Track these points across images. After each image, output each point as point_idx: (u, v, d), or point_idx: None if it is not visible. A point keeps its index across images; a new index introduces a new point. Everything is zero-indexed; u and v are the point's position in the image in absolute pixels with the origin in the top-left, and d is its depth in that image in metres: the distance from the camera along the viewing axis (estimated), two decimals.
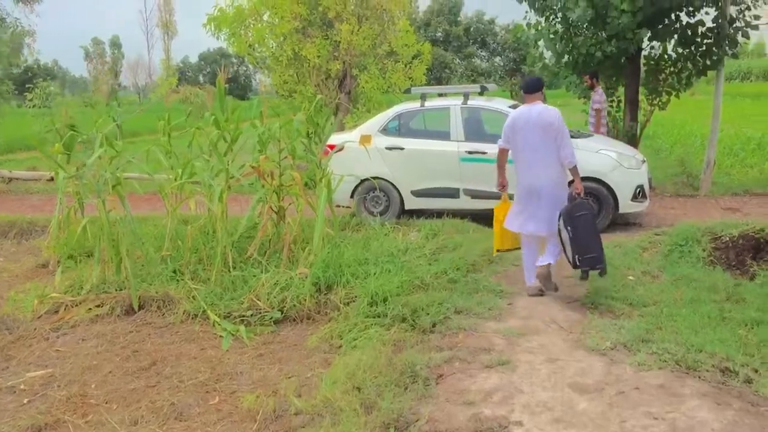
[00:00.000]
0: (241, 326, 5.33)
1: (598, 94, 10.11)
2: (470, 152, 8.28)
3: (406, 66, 13.00)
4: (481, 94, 8.94)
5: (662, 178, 11.23)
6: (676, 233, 7.32)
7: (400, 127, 8.74)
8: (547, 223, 5.52)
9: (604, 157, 8.05)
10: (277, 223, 6.71)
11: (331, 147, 8.74)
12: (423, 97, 8.76)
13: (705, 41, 10.24)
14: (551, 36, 10.73)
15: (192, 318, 5.70)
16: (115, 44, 74.91)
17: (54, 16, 60.16)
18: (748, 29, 9.94)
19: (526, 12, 11.16)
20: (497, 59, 55.69)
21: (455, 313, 5.27)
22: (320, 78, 11.97)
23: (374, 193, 8.70)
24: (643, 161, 8.48)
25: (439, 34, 54.46)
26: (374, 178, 8.56)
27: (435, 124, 9.04)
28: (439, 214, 8.52)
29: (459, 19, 55.87)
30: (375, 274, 5.96)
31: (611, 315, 5.29)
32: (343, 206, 8.73)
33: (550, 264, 5.67)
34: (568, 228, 5.25)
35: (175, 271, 6.40)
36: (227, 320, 5.51)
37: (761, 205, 9.37)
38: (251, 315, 5.57)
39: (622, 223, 8.41)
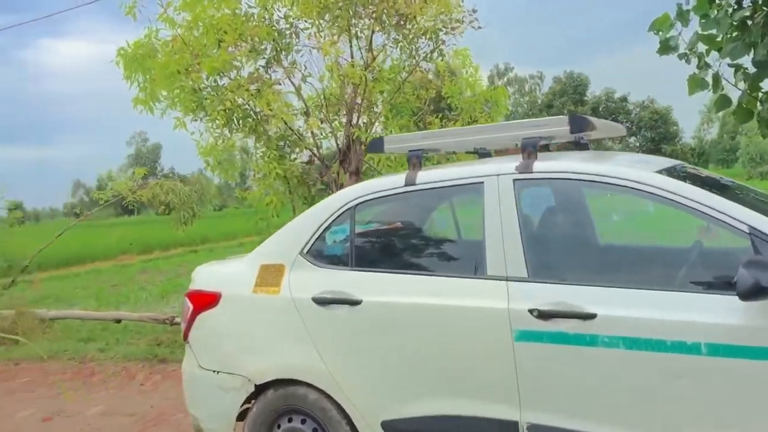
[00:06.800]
0: None
1: None
2: (542, 315, 2.65)
3: (468, 124, 7.57)
4: (581, 146, 3.39)
5: None
6: None
7: (353, 243, 3.20)
8: None
9: None
10: None
11: (203, 299, 3.46)
12: (414, 162, 3.25)
13: None
14: (732, 22, 4.92)
15: None
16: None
17: None
18: None
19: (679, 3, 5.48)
20: (632, 139, 48.86)
21: None
22: (301, 151, 6.75)
23: (291, 424, 3.21)
24: None
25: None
26: (289, 382, 3.15)
27: (443, 229, 3.50)
28: None
29: (585, 98, 50.11)
30: None
31: None
32: None
33: None
34: None
35: None
36: None
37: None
38: None
39: None
